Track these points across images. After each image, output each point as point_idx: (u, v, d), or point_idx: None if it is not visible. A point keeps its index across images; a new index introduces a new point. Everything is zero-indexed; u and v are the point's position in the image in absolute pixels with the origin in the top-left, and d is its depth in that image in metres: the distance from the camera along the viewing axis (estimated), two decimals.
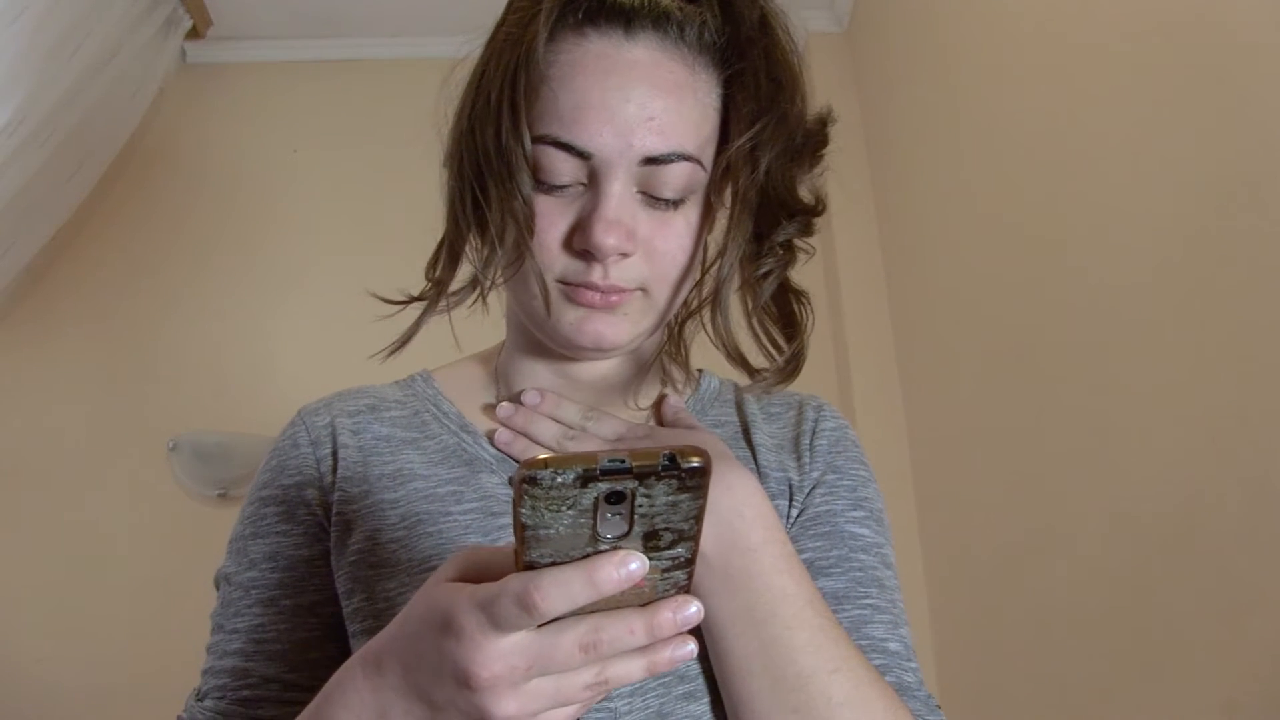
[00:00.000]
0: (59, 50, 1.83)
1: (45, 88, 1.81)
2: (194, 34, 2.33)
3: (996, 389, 1.66)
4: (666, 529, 0.38)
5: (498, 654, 0.39)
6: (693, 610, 0.41)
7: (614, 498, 0.36)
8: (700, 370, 0.77)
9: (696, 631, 0.56)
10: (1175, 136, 1.17)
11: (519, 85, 0.58)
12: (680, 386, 0.75)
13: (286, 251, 2.26)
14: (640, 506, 0.37)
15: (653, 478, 0.36)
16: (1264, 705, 1.02)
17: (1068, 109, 1.42)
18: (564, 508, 0.36)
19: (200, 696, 0.65)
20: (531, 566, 0.39)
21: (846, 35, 2.39)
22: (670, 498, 0.37)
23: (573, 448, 0.66)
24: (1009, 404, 1.61)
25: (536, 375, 0.70)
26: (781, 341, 0.66)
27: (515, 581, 0.38)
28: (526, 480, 0.36)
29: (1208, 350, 1.12)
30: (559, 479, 0.35)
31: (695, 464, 0.36)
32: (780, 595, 0.56)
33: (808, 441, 0.70)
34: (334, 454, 0.68)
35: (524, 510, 0.37)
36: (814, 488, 0.68)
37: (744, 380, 0.67)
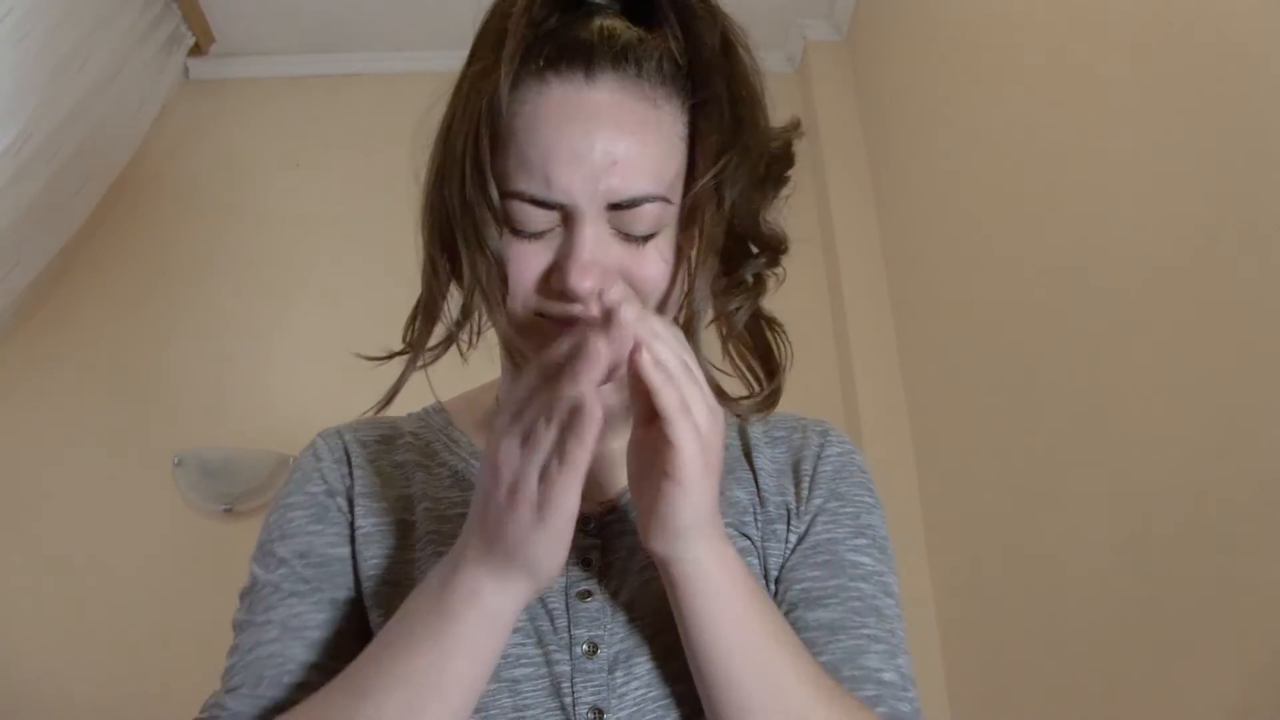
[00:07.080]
0: (64, 68, 1.84)
1: (50, 106, 1.82)
2: (196, 50, 2.34)
3: (1001, 395, 1.65)
4: None
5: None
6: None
7: None
8: None
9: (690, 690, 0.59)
10: (1177, 141, 1.17)
11: (482, 140, 0.59)
12: None
13: (290, 265, 2.27)
14: None
15: None
16: (1276, 709, 1.01)
17: (1067, 116, 1.42)
18: None
19: (229, 691, 0.62)
20: None
21: (846, 44, 2.39)
22: None
23: None
24: (1014, 410, 1.61)
25: None
26: (760, 372, 0.66)
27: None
28: None
29: (1214, 356, 1.11)
30: None
31: None
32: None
33: (809, 467, 0.71)
34: (350, 474, 0.71)
35: None
36: (816, 515, 0.68)
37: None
